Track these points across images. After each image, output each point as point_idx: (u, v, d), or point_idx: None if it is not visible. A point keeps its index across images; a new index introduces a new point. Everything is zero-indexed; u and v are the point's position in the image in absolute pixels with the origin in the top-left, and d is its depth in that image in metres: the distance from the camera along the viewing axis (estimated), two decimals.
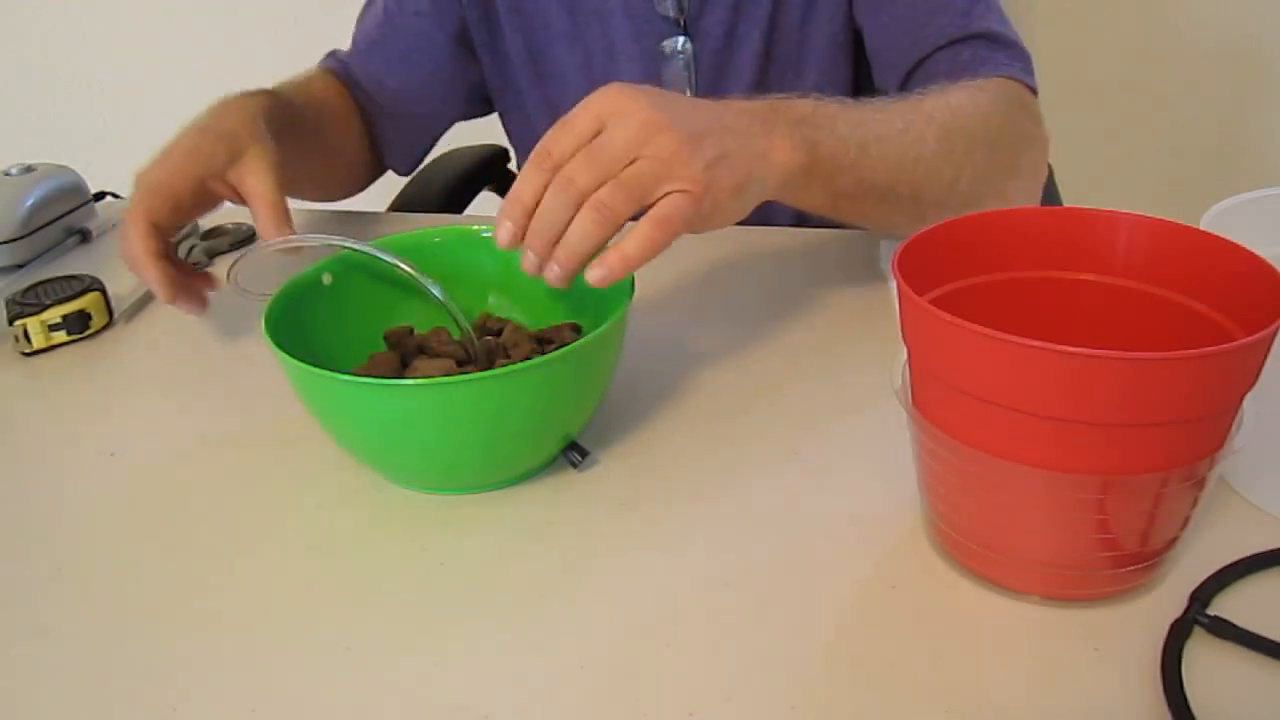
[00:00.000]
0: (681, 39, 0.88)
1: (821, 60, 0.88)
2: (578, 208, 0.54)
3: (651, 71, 0.89)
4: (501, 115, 1.01)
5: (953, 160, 0.68)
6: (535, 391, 0.54)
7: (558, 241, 0.55)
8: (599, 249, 0.55)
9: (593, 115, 0.55)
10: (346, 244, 0.63)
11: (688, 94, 0.89)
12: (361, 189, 1.00)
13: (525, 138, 1.01)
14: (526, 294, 0.68)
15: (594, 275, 0.55)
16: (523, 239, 0.56)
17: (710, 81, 0.90)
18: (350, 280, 0.65)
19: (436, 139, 1.02)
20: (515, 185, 0.56)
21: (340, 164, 0.95)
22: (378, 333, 0.65)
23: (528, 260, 0.56)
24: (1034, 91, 0.78)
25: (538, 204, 0.55)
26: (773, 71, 0.89)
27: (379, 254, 0.63)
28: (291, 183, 0.77)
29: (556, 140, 0.55)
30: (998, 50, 0.78)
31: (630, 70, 0.90)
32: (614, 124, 0.54)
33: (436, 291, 0.63)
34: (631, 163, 0.54)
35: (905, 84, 0.82)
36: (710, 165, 0.55)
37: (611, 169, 0.54)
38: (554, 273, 0.56)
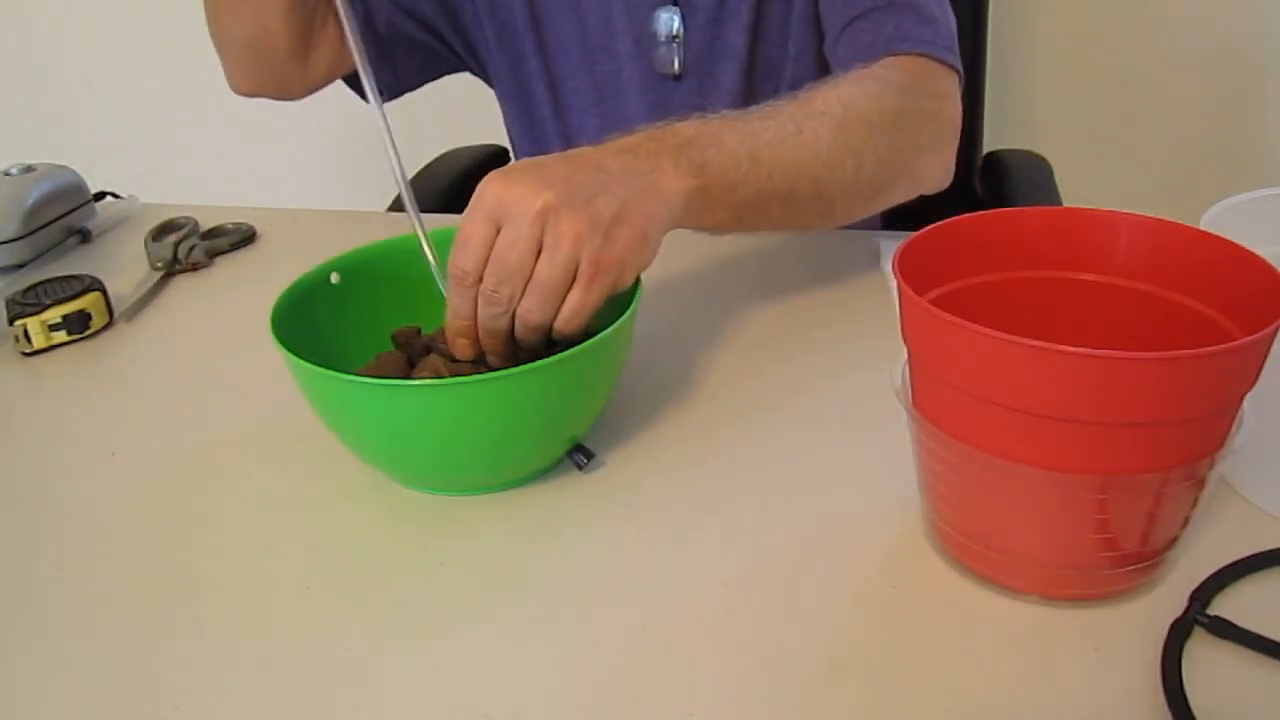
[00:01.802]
0: (668, 16, 0.88)
1: (798, 34, 0.89)
2: (512, 313, 0.57)
3: (643, 45, 0.90)
4: (496, 80, 1.00)
5: (851, 151, 0.69)
6: (542, 393, 0.54)
7: (510, 340, 0.59)
8: (547, 328, 0.58)
9: (484, 219, 0.56)
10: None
11: (675, 67, 0.90)
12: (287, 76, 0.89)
13: (521, 104, 0.99)
14: None
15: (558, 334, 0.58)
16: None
17: (700, 56, 0.90)
18: (357, 280, 0.65)
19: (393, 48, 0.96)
20: (449, 310, 0.59)
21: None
22: (385, 333, 0.65)
23: (494, 361, 0.60)
24: (952, 68, 0.78)
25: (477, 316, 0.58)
26: (760, 48, 0.89)
27: (427, 249, 0.63)
28: None
29: (465, 260, 0.57)
30: (922, 26, 0.78)
31: (624, 43, 0.90)
32: (507, 226, 0.56)
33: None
34: (538, 254, 0.56)
35: (834, 47, 0.83)
36: (609, 231, 0.57)
37: (522, 274, 0.56)
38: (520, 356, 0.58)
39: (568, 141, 0.97)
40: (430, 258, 0.63)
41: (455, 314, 0.59)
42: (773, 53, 0.90)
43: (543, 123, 0.97)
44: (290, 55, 0.86)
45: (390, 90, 0.96)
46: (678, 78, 0.91)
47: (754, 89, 0.90)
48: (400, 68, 0.95)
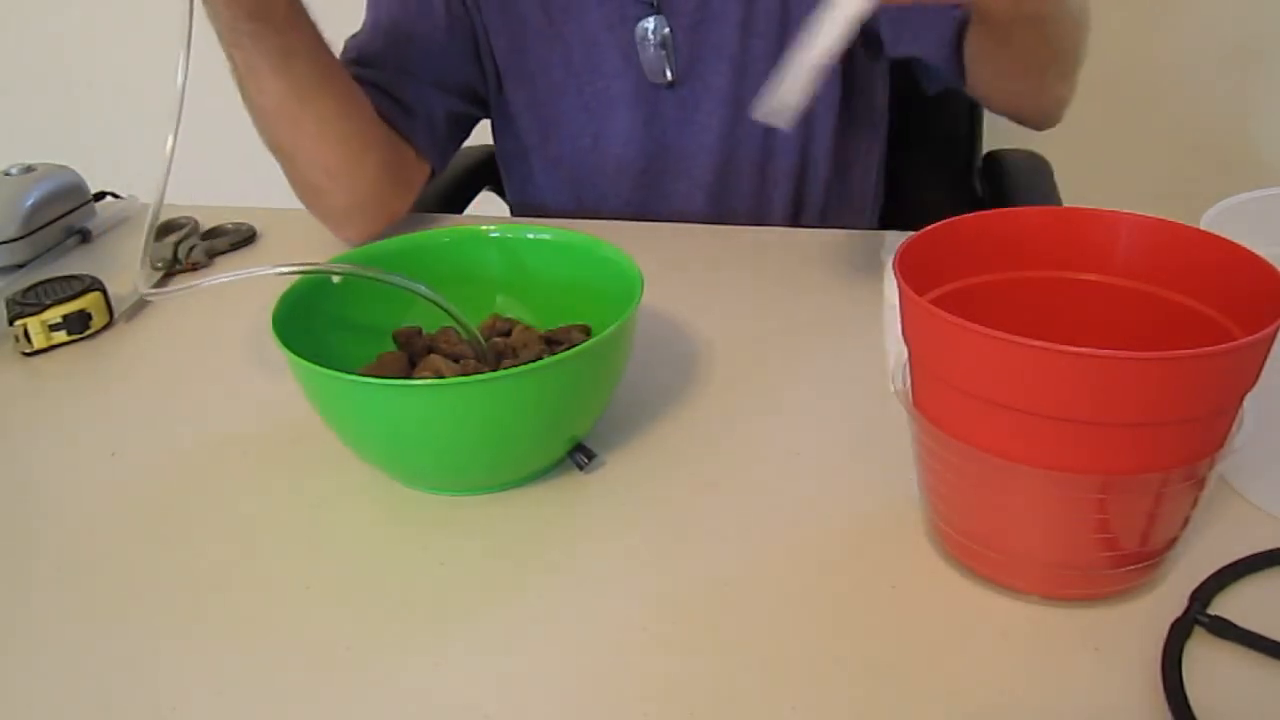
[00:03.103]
0: (654, 20, 0.88)
1: (796, 26, 0.88)
2: None
3: (631, 58, 0.89)
4: (492, 123, 1.01)
5: (1084, 12, 0.69)
6: (543, 393, 0.54)
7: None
8: None
9: None
10: (340, 270, 0.62)
11: (667, 75, 0.89)
12: (382, 194, 0.90)
13: (510, 144, 1.00)
14: (535, 295, 0.68)
15: None
16: None
17: (688, 60, 0.89)
18: (359, 279, 0.65)
19: (459, 130, 0.99)
20: None
21: (354, 126, 0.86)
22: (386, 332, 0.65)
23: None
24: None
25: None
26: (753, 47, 0.89)
27: (368, 275, 0.62)
28: (304, 90, 0.77)
29: None
30: None
31: (611, 58, 0.90)
32: None
33: (435, 296, 0.62)
34: None
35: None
36: None
37: None
38: None
39: (557, 166, 0.97)
40: None
41: None
42: (767, 47, 0.89)
43: (530, 152, 0.97)
44: (360, 161, 0.86)
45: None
46: (670, 85, 0.90)
47: (746, 89, 0.90)
48: (460, 138, 0.98)
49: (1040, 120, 0.83)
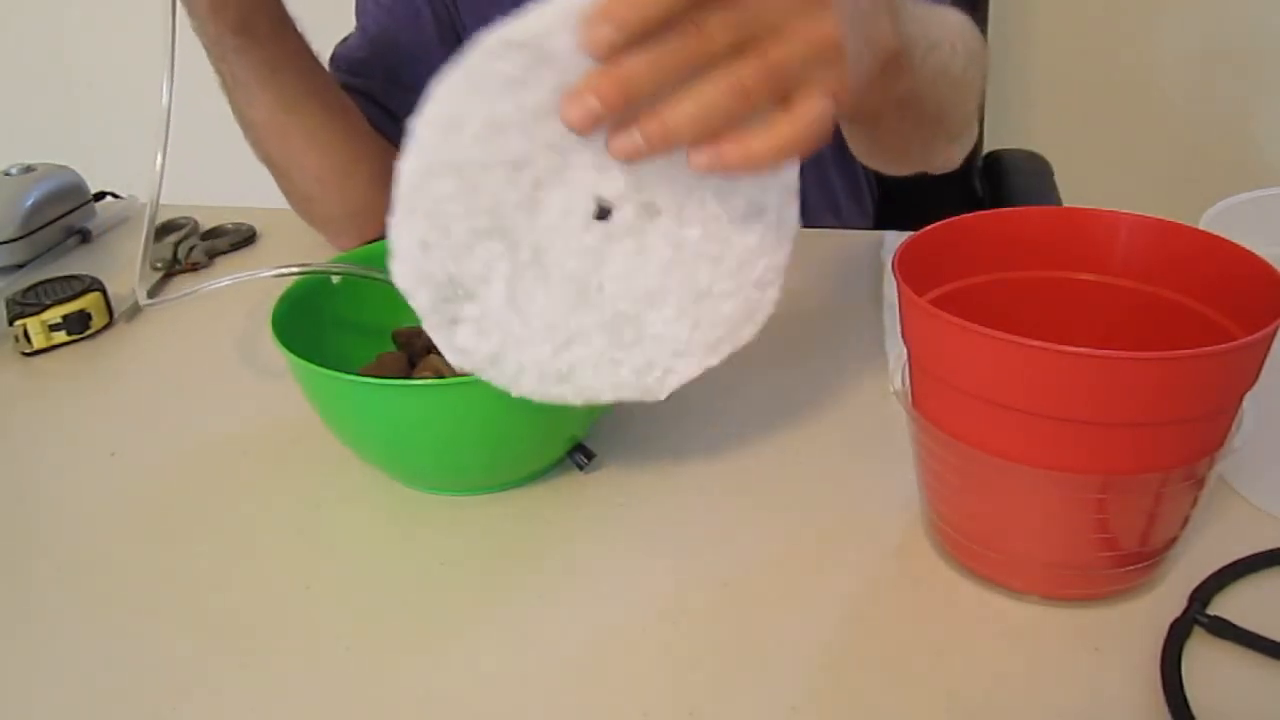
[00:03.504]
0: None
1: None
2: (697, 66, 0.41)
3: None
4: None
5: (967, 84, 0.65)
6: None
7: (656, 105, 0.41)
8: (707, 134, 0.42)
9: None
10: (339, 270, 0.62)
11: None
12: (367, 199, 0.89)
13: None
14: None
15: (701, 159, 0.42)
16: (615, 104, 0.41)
17: None
18: (358, 280, 0.65)
19: None
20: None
21: (344, 136, 0.85)
22: (386, 333, 0.65)
23: (625, 140, 0.42)
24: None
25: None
26: None
27: (368, 275, 0.62)
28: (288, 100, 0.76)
29: None
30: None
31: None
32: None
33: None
34: (777, 35, 0.41)
35: None
36: (852, 63, 0.44)
37: (757, 33, 0.41)
38: (637, 142, 0.42)
39: None
40: None
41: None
42: None
43: None
44: (348, 171, 0.84)
45: None
46: None
47: None
48: None
49: (934, 171, 0.80)
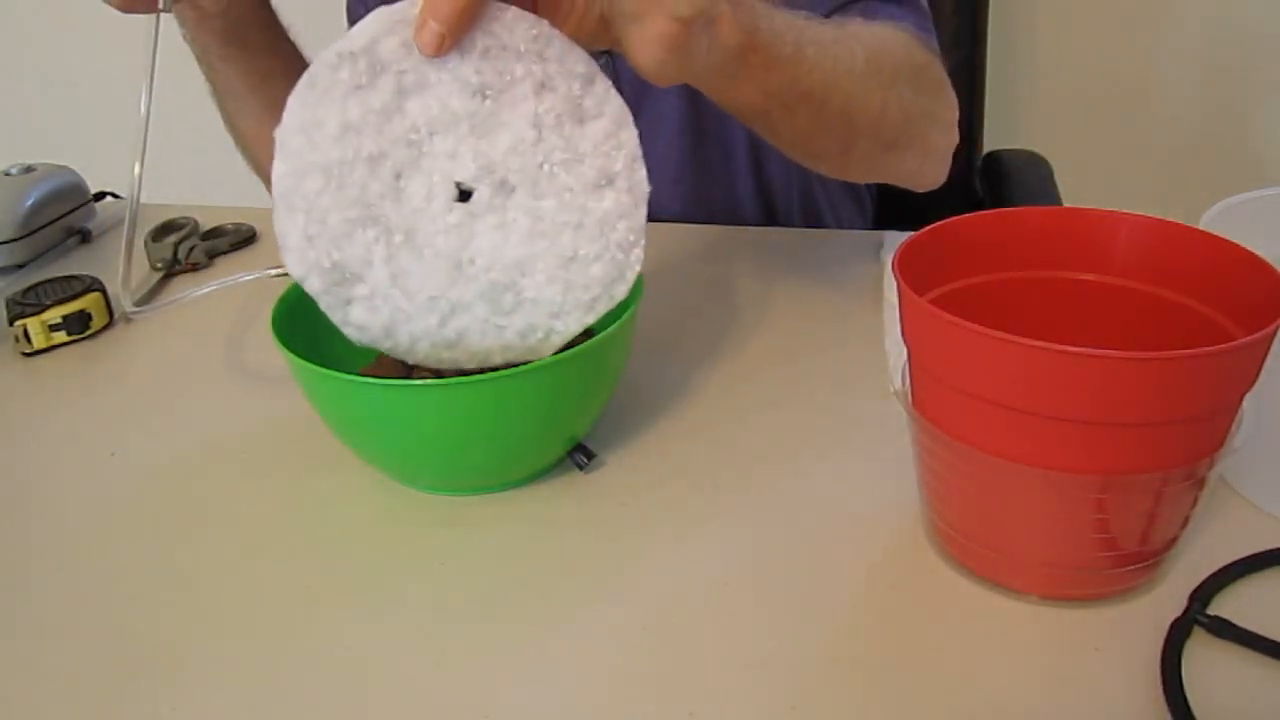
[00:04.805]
0: (602, 59, 0.86)
1: None
2: None
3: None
4: None
5: (881, 85, 0.66)
6: (543, 393, 0.54)
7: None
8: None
9: None
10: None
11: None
12: None
13: None
14: None
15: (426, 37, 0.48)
16: None
17: (640, 94, 0.88)
18: None
19: None
20: None
21: None
22: None
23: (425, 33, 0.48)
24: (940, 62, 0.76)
25: None
26: None
27: None
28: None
29: None
30: (909, 13, 0.76)
31: None
32: None
33: None
34: None
35: None
36: (697, 11, 0.51)
37: None
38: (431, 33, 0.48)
39: None
40: None
41: None
42: None
43: None
44: None
45: None
46: None
47: (702, 114, 0.89)
48: None
49: (902, 183, 0.79)
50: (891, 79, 0.67)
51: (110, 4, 0.68)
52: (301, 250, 0.50)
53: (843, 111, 0.65)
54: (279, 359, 0.54)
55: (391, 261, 0.51)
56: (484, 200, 0.51)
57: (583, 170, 0.51)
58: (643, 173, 0.53)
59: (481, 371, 0.59)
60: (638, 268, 0.53)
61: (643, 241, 0.53)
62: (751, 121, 0.65)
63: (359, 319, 0.52)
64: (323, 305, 0.51)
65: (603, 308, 0.53)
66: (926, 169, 0.76)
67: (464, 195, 0.51)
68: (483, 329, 0.53)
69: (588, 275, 0.52)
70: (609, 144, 0.52)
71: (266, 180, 0.85)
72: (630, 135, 0.52)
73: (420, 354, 0.53)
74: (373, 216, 0.50)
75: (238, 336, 0.77)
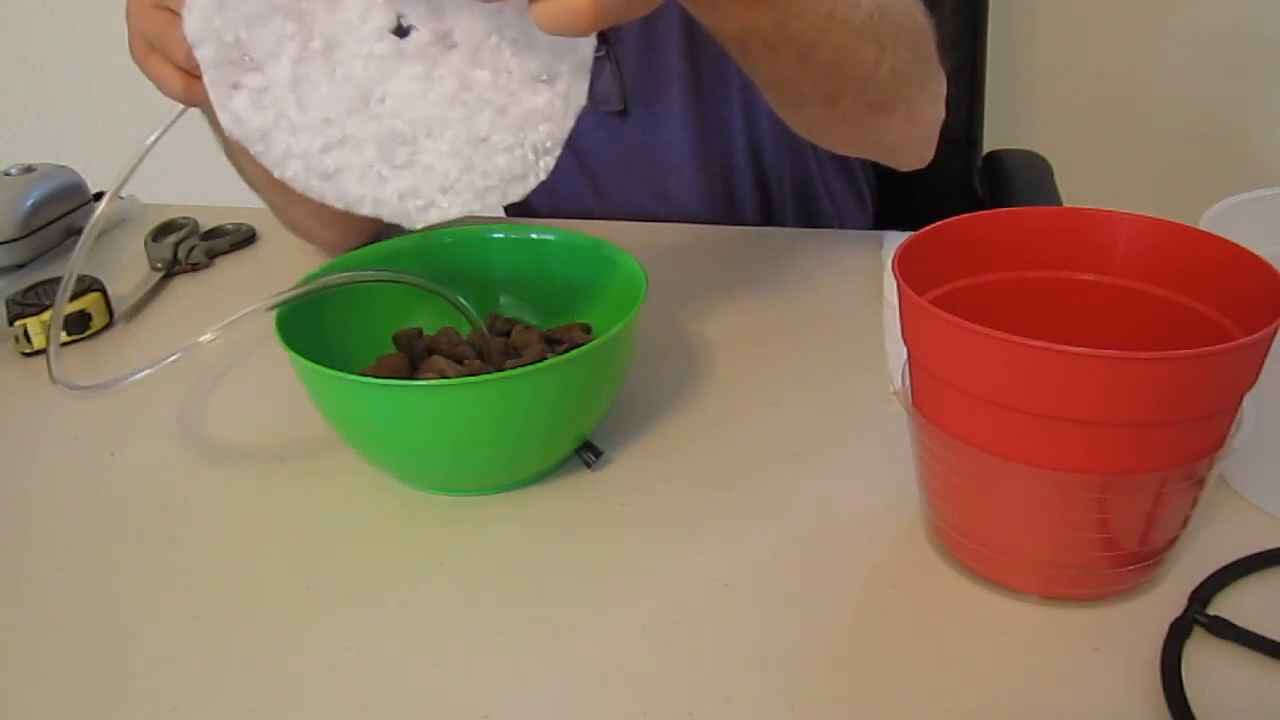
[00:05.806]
0: (603, 49, 0.86)
1: None
2: None
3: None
4: None
5: (879, 42, 0.64)
6: (549, 393, 0.54)
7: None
8: None
9: None
10: (354, 278, 0.61)
11: (618, 102, 0.88)
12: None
13: None
14: (536, 295, 0.68)
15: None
16: None
17: (642, 86, 0.88)
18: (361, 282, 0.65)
19: None
20: None
21: None
22: (386, 335, 0.65)
23: None
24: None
25: None
26: (701, 61, 0.87)
27: (383, 276, 0.61)
28: None
29: None
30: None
31: None
32: None
33: (440, 288, 0.62)
34: None
35: None
36: None
37: None
38: None
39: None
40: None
41: None
42: (716, 64, 0.87)
43: None
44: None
45: None
46: (622, 112, 0.89)
47: (704, 106, 0.89)
48: None
49: (898, 163, 0.77)
50: (891, 38, 0.65)
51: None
52: (208, 12, 0.47)
53: (831, 61, 0.63)
54: (281, 358, 0.54)
55: (299, 65, 0.48)
56: (419, 44, 0.48)
57: (528, 60, 0.49)
58: (583, 86, 0.50)
59: (485, 372, 0.58)
60: (544, 176, 0.51)
61: (557, 153, 0.50)
62: (731, 51, 0.63)
63: (239, 109, 0.48)
64: (207, 80, 0.48)
65: (493, 201, 0.51)
66: (913, 139, 0.74)
67: (402, 32, 0.48)
68: (363, 173, 0.50)
69: (491, 163, 0.50)
70: (565, 45, 0.49)
71: (276, 211, 0.85)
72: (588, 45, 0.49)
73: (288, 173, 0.49)
74: (298, 10, 0.47)
75: (238, 337, 0.76)
